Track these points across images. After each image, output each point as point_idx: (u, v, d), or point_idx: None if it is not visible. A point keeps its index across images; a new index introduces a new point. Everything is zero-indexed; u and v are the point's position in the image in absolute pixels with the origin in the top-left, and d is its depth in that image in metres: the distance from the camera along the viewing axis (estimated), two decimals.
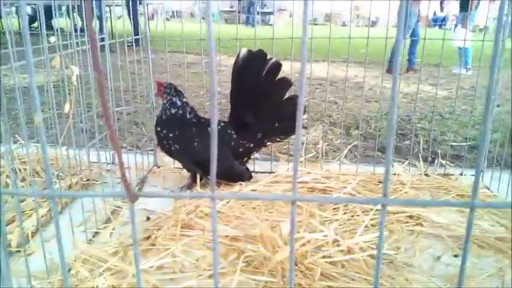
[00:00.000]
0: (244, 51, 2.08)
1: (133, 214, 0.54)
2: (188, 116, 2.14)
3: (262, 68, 2.07)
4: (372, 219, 1.82)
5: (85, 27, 1.63)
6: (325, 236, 1.70)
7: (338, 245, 1.65)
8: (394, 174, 2.36)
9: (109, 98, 2.08)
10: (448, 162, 2.47)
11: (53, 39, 1.53)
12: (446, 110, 4.40)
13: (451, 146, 3.02)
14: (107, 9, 2.15)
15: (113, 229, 1.80)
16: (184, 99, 2.16)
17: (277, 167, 2.47)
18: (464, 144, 2.93)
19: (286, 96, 2.14)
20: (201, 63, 2.49)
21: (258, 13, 17.47)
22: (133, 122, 3.34)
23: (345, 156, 2.86)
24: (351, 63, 6.77)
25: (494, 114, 2.73)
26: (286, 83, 2.11)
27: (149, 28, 2.42)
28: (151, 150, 2.67)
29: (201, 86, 5.25)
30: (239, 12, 17.20)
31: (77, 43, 1.67)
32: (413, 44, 6.87)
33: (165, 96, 2.16)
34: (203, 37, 2.41)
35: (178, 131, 2.11)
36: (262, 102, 2.12)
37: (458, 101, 4.90)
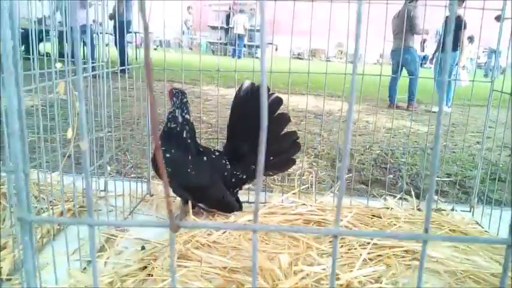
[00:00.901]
0: (247, 83, 2.12)
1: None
2: (184, 135, 2.09)
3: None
4: (369, 253, 1.82)
5: (72, 53, 1.64)
6: (324, 269, 1.69)
7: (337, 279, 1.64)
8: (387, 208, 2.38)
9: (103, 123, 2.08)
10: (439, 198, 2.51)
11: (59, 65, 1.53)
12: (428, 145, 4.51)
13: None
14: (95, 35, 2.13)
15: (108, 258, 1.76)
16: (187, 116, 2.10)
17: (272, 198, 2.48)
18: (447, 179, 2.99)
19: (283, 131, 2.18)
20: (187, 92, 2.50)
21: (244, 46, 17.82)
22: (119, 149, 3.31)
23: (330, 188, 2.90)
24: (335, 97, 6.97)
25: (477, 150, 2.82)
26: (285, 119, 2.14)
27: (137, 57, 2.43)
28: (139, 177, 2.64)
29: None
30: (225, 44, 17.53)
31: (86, 69, 1.68)
32: (412, 82, 7.03)
33: (172, 103, 2.12)
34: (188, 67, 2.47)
35: (173, 152, 2.06)
36: (259, 135, 2.14)
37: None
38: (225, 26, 18.63)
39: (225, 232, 1.98)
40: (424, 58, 14.68)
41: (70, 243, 1.66)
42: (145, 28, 0.48)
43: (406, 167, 3.60)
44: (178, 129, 2.09)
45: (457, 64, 6.53)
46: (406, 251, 1.90)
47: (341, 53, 19.45)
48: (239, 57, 15.82)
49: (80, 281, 1.52)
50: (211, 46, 19.09)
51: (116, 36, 7.75)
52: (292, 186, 2.66)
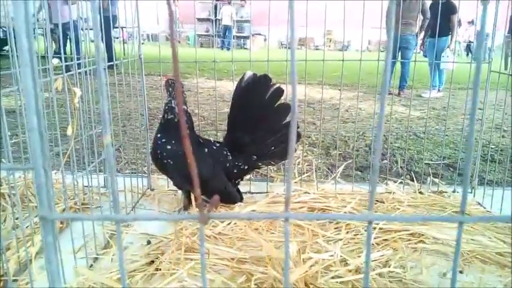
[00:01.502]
0: (249, 74, 2.09)
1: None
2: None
3: (265, 92, 2.09)
4: (375, 238, 1.83)
5: (60, 50, 1.59)
6: (332, 256, 1.69)
7: (346, 265, 1.64)
8: (389, 192, 2.39)
9: (91, 120, 2.03)
10: (440, 181, 2.52)
11: (55, 61, 1.49)
12: (420, 129, 4.53)
13: (427, 164, 3.13)
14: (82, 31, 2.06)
15: (113, 254, 1.74)
16: (184, 107, 2.08)
17: (273, 188, 2.47)
18: (440, 162, 3.02)
19: (285, 121, 2.16)
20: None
21: (234, 37, 17.70)
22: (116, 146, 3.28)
23: (326, 175, 2.90)
24: (325, 85, 6.95)
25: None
26: (286, 108, 2.13)
27: (124, 51, 2.37)
28: (133, 173, 2.61)
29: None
30: (213, 36, 17.38)
31: (78, 65, 1.64)
32: (405, 68, 7.02)
33: (168, 93, 2.09)
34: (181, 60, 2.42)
35: (174, 144, 2.03)
36: (261, 126, 2.13)
37: (431, 121, 5.08)
38: (213, 18, 18.45)
39: (229, 223, 1.97)
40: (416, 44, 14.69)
41: (75, 240, 1.64)
42: (170, 15, 0.47)
43: (400, 152, 3.62)
44: (176, 119, 2.05)
45: (448, 47, 6.56)
46: (412, 234, 1.90)
47: (330, 41, 19.40)
48: (228, 48, 15.70)
49: (88, 279, 1.50)
50: (199, 38, 18.94)
51: (102, 31, 7.60)
52: (302, 174, 2.65)
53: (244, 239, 1.86)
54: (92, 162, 1.89)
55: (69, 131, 1.55)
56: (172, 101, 2.06)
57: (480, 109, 2.38)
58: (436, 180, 2.50)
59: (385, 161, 3.29)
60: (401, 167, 3.17)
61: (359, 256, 1.69)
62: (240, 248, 1.79)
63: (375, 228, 1.88)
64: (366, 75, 8.50)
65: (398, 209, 2.17)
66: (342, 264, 1.65)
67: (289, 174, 0.52)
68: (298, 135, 2.28)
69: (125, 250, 1.78)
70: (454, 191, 2.47)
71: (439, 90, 7.12)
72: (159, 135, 2.07)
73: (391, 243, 1.83)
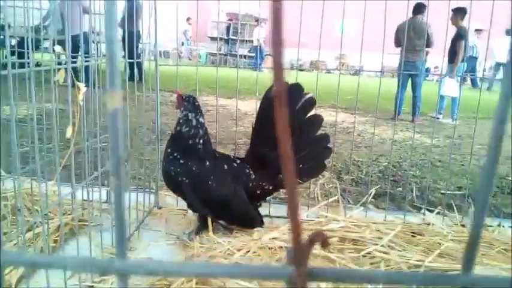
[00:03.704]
0: None
1: None
2: (198, 140, 1.84)
3: (297, 102, 1.85)
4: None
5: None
6: None
7: None
8: (428, 224, 2.12)
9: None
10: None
11: (58, 48, 1.26)
12: (436, 158, 4.27)
13: (442, 194, 2.87)
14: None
15: (112, 283, 1.47)
16: (201, 119, 1.87)
17: None
18: (458, 193, 2.76)
19: (316, 134, 1.92)
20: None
21: (244, 57, 17.63)
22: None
23: (336, 200, 2.61)
24: (338, 109, 6.72)
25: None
26: (318, 120, 1.89)
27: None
28: (139, 188, 2.35)
29: None
30: (225, 55, 17.34)
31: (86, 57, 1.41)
32: (417, 95, 6.90)
33: (182, 109, 1.88)
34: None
35: (190, 161, 1.80)
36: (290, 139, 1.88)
37: (446, 150, 4.81)
38: (225, 37, 18.49)
39: (248, 252, 1.70)
40: (427, 70, 14.56)
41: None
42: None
43: (415, 180, 3.36)
44: (192, 132, 1.82)
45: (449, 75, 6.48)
46: None
47: (343, 65, 19.30)
48: (260, 70, 15.49)
49: None
50: (211, 57, 18.90)
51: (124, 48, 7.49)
52: (308, 197, 2.38)
53: None
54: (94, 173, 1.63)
55: (68, 133, 1.31)
56: (189, 114, 1.84)
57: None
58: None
59: (399, 188, 3.05)
60: (416, 195, 2.93)
61: None
62: (260, 283, 1.51)
63: (418, 266, 1.60)
64: (379, 101, 8.29)
65: (440, 244, 1.89)
66: None
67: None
68: (330, 150, 2.03)
69: None
70: (499, 225, 2.19)
71: (454, 119, 6.89)
72: (169, 149, 1.83)
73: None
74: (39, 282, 1.41)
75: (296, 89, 1.85)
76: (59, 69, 1.20)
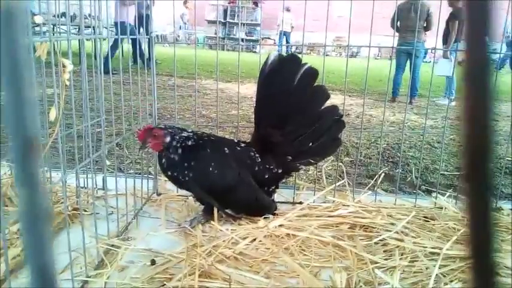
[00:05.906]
0: (274, 55, 1.73)
1: None
2: (200, 141, 1.73)
3: (295, 74, 1.70)
4: (440, 267, 1.44)
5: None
6: None
7: None
8: (439, 208, 2.01)
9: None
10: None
11: (38, 19, 1.13)
12: (434, 139, 4.18)
13: (442, 174, 2.79)
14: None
15: (108, 277, 1.37)
16: (189, 130, 1.76)
17: (300, 196, 2.10)
18: (456, 173, 2.68)
19: (322, 107, 1.79)
20: (185, 86, 2.14)
21: (242, 40, 17.37)
22: (115, 144, 2.91)
23: (343, 184, 2.51)
24: (335, 90, 6.61)
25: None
26: (322, 92, 1.76)
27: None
28: (138, 173, 2.23)
29: (187, 109, 4.95)
30: (223, 39, 17.10)
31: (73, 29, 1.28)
32: (416, 76, 6.86)
33: (167, 140, 1.67)
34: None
35: (194, 161, 1.68)
36: (293, 116, 1.75)
37: (445, 131, 4.71)
38: (223, 21, 18.22)
39: (254, 240, 1.60)
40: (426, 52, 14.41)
41: (60, 256, 1.28)
42: None
43: (414, 161, 3.27)
44: (194, 139, 1.72)
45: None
46: None
47: (339, 47, 19.03)
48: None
49: None
50: (208, 41, 18.61)
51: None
52: (312, 181, 2.27)
53: (271, 262, 1.49)
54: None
55: (52, 116, 1.18)
56: (183, 133, 1.70)
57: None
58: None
59: (398, 170, 2.96)
60: (415, 177, 2.84)
61: None
62: (267, 274, 1.41)
63: (437, 253, 1.50)
64: (376, 83, 8.20)
65: (455, 229, 1.79)
66: None
67: None
68: (342, 123, 1.88)
69: (123, 271, 1.41)
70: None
71: (450, 100, 6.79)
72: (175, 173, 1.72)
73: (457, 274, 1.45)
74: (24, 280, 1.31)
75: (292, 61, 1.71)
76: (40, 44, 1.07)
